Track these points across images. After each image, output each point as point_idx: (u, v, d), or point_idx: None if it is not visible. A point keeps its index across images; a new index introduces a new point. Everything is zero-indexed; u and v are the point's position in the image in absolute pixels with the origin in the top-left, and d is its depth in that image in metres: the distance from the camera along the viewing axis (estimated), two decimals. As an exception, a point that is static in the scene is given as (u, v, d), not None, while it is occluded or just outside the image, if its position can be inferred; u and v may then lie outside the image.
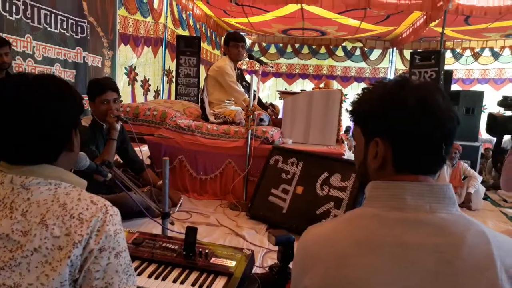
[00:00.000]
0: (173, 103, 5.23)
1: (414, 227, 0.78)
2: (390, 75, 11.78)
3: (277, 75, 12.81)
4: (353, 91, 12.25)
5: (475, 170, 6.35)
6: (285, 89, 12.69)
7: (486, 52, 10.75)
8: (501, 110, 2.27)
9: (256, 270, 3.04)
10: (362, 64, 12.15)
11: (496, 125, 1.93)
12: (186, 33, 8.61)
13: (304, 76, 12.68)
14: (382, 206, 0.84)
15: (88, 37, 5.21)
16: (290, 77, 12.79)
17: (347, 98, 12.25)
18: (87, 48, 5.23)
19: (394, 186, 0.85)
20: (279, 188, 3.61)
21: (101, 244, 0.91)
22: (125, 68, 6.81)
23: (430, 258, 0.75)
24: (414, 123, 0.86)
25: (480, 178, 5.84)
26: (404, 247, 0.77)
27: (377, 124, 0.90)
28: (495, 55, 10.71)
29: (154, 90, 8.13)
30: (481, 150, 8.54)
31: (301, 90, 4.68)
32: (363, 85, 12.32)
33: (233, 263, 2.01)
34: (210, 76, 4.60)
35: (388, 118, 0.88)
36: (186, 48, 7.47)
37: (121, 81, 6.66)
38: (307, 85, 12.48)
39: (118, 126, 3.32)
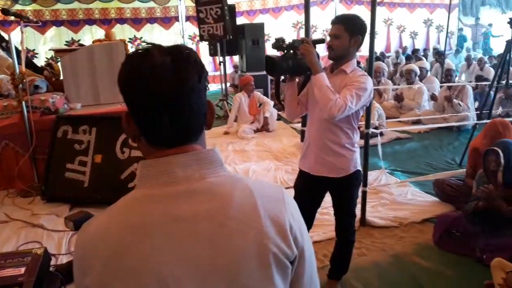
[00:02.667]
0: None
1: (187, 198, 0.78)
2: (182, 14, 11.67)
3: (58, 23, 11.18)
4: (148, 33, 11.77)
5: (267, 97, 7.05)
6: (72, 38, 11.28)
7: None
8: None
9: (62, 259, 2.79)
10: (152, 4, 11.62)
11: (275, 65, 2.06)
12: None
13: (90, 22, 11.42)
14: (154, 185, 0.80)
15: None
16: (74, 24, 11.34)
17: (143, 42, 11.75)
18: None
19: (161, 163, 0.81)
20: (75, 162, 3.26)
21: None
22: None
23: (203, 225, 0.77)
24: (135, 94, 0.79)
25: (272, 103, 6.52)
26: (179, 221, 0.77)
27: (123, 97, 0.82)
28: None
29: None
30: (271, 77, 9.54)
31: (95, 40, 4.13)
32: (156, 26, 11.91)
33: (22, 270, 1.74)
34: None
35: (123, 90, 0.81)
36: None
37: None
38: (97, 32, 11.35)
39: None
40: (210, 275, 0.77)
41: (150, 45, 0.83)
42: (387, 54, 12.45)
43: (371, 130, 3.41)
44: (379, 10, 12.70)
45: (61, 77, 4.20)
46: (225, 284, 0.78)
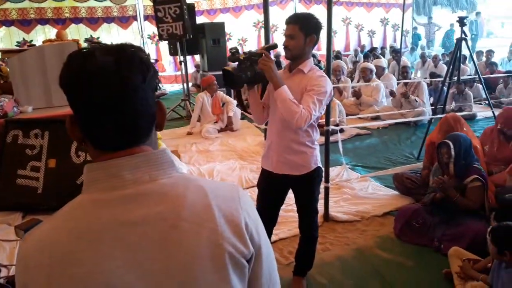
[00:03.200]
0: None
1: (136, 201, 0.75)
2: (140, 13, 11.39)
3: (7, 23, 10.61)
4: (105, 33, 11.40)
5: (230, 96, 7.01)
6: (23, 39, 10.75)
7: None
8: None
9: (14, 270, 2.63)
10: (108, 3, 11.25)
11: (232, 78, 2.02)
12: None
13: (43, 21, 10.91)
14: (101, 189, 0.77)
15: None
16: (25, 24, 10.80)
17: (101, 42, 11.36)
18: None
19: (108, 166, 0.77)
20: (27, 167, 3.09)
21: None
22: None
23: (155, 228, 0.74)
24: (76, 95, 0.75)
25: (235, 102, 6.47)
26: (129, 225, 0.74)
27: (67, 98, 0.77)
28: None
29: None
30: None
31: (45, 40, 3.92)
32: (113, 25, 11.56)
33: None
34: None
35: (64, 91, 0.77)
36: None
37: None
38: (51, 32, 10.84)
39: None
40: (163, 280, 0.74)
41: (95, 44, 0.80)
42: (346, 53, 12.72)
43: (332, 127, 3.45)
44: (337, 9, 13.10)
45: (10, 79, 3.98)
46: (179, 287, 0.75)
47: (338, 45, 13.47)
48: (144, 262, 0.74)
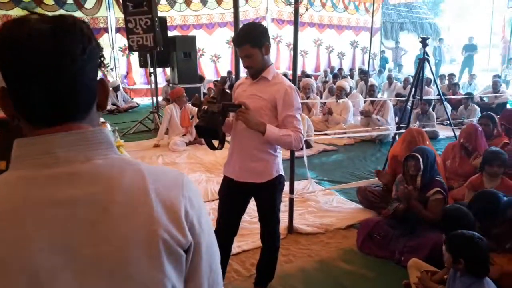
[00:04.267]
0: None
1: (68, 181, 0.71)
2: (111, 25, 11.28)
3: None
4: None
5: (200, 110, 6.96)
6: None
7: (196, -1, 11.61)
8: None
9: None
10: (78, 14, 11.07)
11: (215, 131, 1.99)
12: None
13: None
14: (30, 166, 0.72)
15: None
16: (-10, 31, 10.45)
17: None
18: None
19: (40, 142, 0.72)
20: (-23, 172, 2.94)
21: None
22: None
23: (85, 209, 0.70)
24: (8, 64, 0.70)
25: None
26: (57, 205, 0.69)
27: None
28: (203, 2, 11.70)
29: None
30: (204, 90, 9.48)
31: None
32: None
33: None
34: None
35: None
36: None
37: None
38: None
39: None
40: (91, 265, 0.69)
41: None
42: (317, 73, 13.01)
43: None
44: (309, 30, 13.43)
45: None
46: (108, 274, 0.70)
47: (309, 65, 13.75)
48: (72, 246, 0.68)
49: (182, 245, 0.76)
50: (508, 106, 7.93)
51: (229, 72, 9.88)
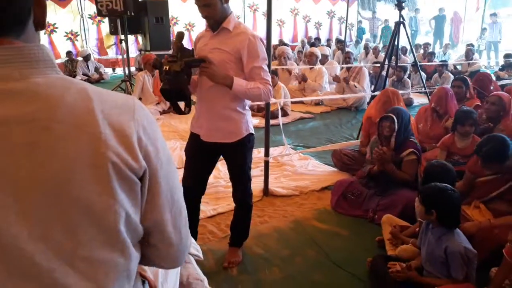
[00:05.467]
0: None
1: (1, 99, 0.64)
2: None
3: None
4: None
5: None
6: None
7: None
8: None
9: None
10: (44, -22, 10.49)
11: (180, 91, 1.89)
12: None
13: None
14: None
15: None
16: None
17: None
18: None
19: None
20: None
21: None
22: None
23: (22, 129, 0.64)
24: None
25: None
26: None
27: None
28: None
29: None
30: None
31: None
32: (50, 3, 10.66)
33: None
34: None
35: None
36: None
37: None
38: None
39: None
40: (31, 188, 0.63)
41: None
42: (294, 44, 12.86)
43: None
44: (285, 0, 13.19)
45: None
46: (52, 196, 0.65)
47: (286, 35, 13.57)
48: (7, 168, 0.62)
49: (135, 170, 0.71)
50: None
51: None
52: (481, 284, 2.01)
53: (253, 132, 2.25)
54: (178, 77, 1.89)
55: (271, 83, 2.10)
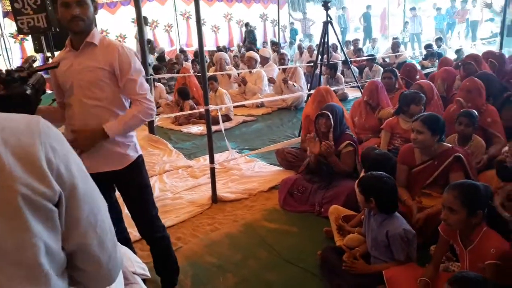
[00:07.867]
0: None
1: None
2: (-3, 8, 10.06)
3: None
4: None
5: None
6: None
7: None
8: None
9: None
10: (-46, -3, 9.73)
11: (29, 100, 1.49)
12: None
13: None
14: None
15: None
16: None
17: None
18: None
19: None
20: None
21: None
22: None
23: None
24: None
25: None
26: None
27: None
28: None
29: None
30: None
31: None
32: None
33: None
34: None
35: None
36: None
37: None
38: None
39: None
40: None
41: None
42: (231, 48, 12.93)
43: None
44: (218, 5, 13.23)
45: None
46: None
47: (222, 40, 13.61)
48: None
49: (49, 198, 0.67)
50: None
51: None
52: (424, 263, 2.13)
53: (142, 153, 2.01)
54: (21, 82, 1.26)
55: (149, 94, 1.89)
